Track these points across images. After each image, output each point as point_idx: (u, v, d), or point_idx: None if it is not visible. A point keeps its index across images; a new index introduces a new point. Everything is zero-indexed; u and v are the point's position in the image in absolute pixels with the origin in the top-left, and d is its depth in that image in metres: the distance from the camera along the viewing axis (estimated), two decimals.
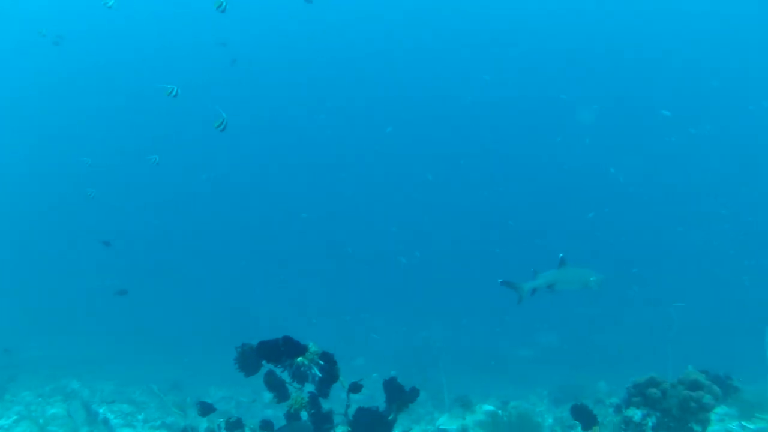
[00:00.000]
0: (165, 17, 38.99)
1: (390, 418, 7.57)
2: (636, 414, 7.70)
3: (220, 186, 36.28)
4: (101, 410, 14.33)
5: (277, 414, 8.52)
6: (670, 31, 35.72)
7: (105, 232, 27.49)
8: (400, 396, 7.59)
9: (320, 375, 6.91)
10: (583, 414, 8.54)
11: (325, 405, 7.66)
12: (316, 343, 6.97)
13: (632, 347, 19.77)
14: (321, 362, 6.90)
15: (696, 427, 7.43)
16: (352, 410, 7.53)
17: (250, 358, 7.82)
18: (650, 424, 7.57)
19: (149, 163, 15.26)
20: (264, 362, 7.29)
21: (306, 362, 6.81)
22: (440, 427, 10.60)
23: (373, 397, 9.34)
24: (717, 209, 30.20)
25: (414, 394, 7.70)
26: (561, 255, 9.74)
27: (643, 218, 31.57)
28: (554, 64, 36.03)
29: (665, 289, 24.23)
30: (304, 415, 7.68)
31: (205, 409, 8.92)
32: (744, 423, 8.60)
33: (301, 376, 6.90)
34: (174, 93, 11.62)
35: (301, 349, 6.78)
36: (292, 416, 7.85)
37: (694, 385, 7.55)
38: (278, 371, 7.15)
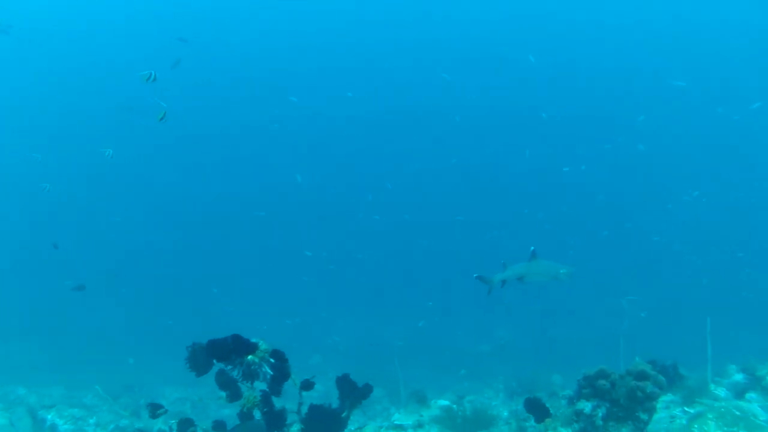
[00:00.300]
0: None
1: (343, 414, 7.53)
2: (586, 406, 7.84)
3: (174, 186, 35.62)
4: (49, 416, 13.75)
5: (233, 413, 8.38)
6: (625, 32, 36.55)
7: (56, 232, 26.76)
8: (352, 392, 7.57)
9: (271, 373, 6.81)
10: (536, 407, 8.71)
11: (280, 403, 7.57)
12: (266, 341, 6.87)
13: (587, 340, 20.20)
14: (272, 360, 6.81)
15: (643, 416, 7.64)
16: (305, 408, 7.46)
17: (200, 358, 7.68)
18: (600, 414, 7.73)
19: (104, 156, 14.91)
20: (215, 361, 7.15)
21: (256, 360, 6.71)
22: (395, 422, 10.62)
23: (330, 394, 9.30)
24: (664, 205, 31.18)
25: (367, 390, 7.69)
26: (532, 248, 9.98)
27: (594, 214, 32.33)
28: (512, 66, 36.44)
29: (617, 283, 24.87)
30: (258, 413, 7.58)
31: (155, 411, 8.70)
32: (686, 408, 8.89)
33: (251, 375, 6.80)
34: (152, 78, 11.41)
35: (251, 347, 6.68)
36: (245, 415, 7.73)
37: (641, 376, 7.76)
38: (229, 370, 7.02)
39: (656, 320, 21.54)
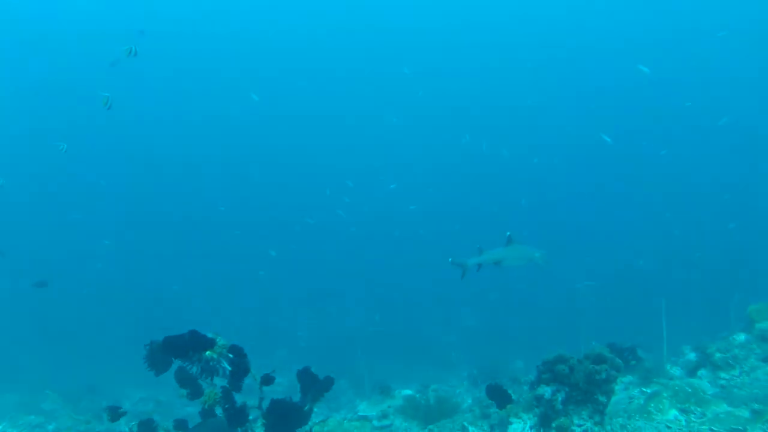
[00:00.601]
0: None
1: (306, 408, 7.48)
2: (546, 391, 7.92)
3: (130, 182, 34.92)
4: (1, 427, 13.22)
5: (197, 411, 8.24)
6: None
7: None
8: (314, 385, 7.52)
9: (230, 368, 6.72)
10: (497, 393, 8.79)
11: (242, 399, 7.47)
12: (224, 336, 6.77)
13: (549, 326, 20.51)
14: (230, 355, 6.72)
15: (601, 398, 7.76)
16: (266, 403, 7.38)
17: (158, 356, 7.55)
18: (560, 399, 7.81)
19: (58, 150, 14.62)
20: (173, 358, 7.04)
21: (215, 356, 6.61)
22: (360, 414, 10.66)
23: (294, 388, 9.22)
24: (618, 191, 31.85)
25: (329, 382, 7.65)
26: (508, 233, 10.11)
27: (553, 201, 32.88)
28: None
29: (577, 269, 25.31)
30: (220, 410, 7.47)
31: (115, 413, 8.51)
32: (643, 388, 9.13)
33: (209, 371, 6.70)
34: (133, 52, 11.35)
35: (209, 343, 6.57)
36: (206, 413, 7.61)
37: (599, 359, 7.88)
38: (188, 367, 6.91)
39: (617, 304, 22.01)
